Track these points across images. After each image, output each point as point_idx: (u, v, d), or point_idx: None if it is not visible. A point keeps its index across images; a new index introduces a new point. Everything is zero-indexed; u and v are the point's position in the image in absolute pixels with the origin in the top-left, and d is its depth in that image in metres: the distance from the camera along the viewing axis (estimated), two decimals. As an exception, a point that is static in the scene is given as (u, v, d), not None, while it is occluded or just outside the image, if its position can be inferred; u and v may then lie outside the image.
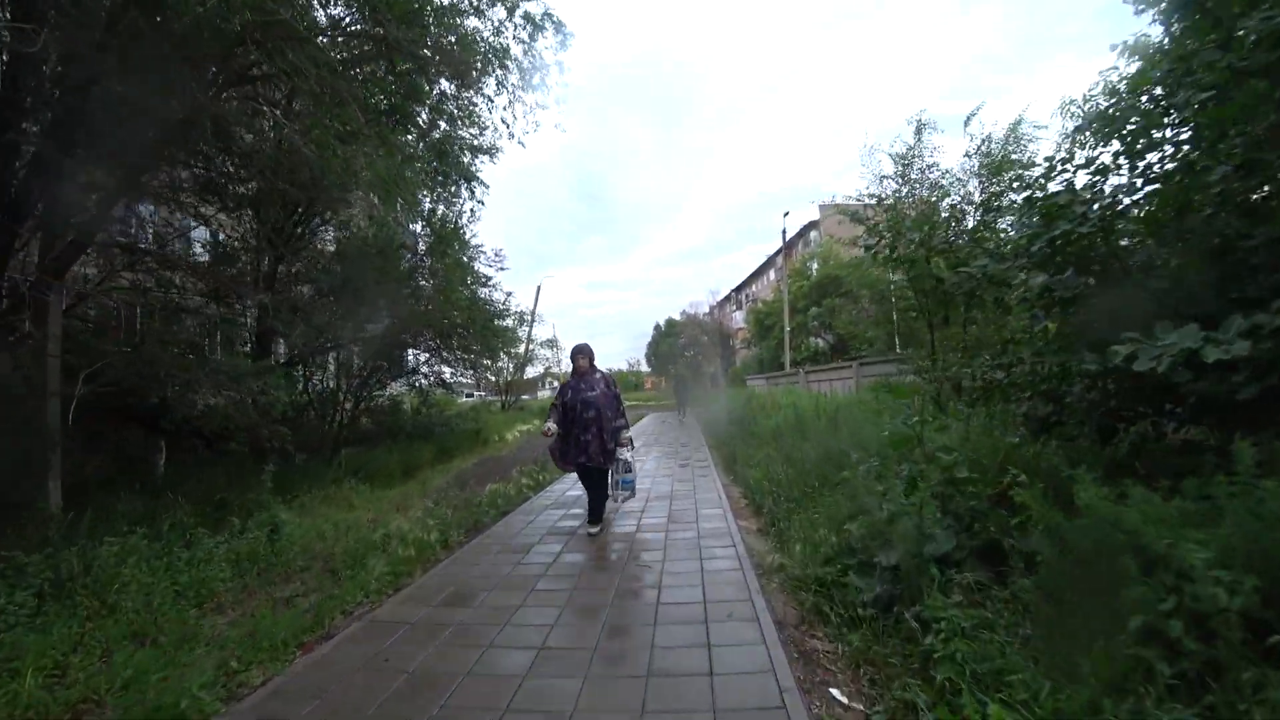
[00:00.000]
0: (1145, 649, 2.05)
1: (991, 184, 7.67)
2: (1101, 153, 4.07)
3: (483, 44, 8.34)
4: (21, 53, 4.86)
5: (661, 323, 53.22)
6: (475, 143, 10.92)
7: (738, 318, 50.78)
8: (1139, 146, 3.36)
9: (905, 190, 7.73)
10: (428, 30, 7.27)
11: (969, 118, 7.81)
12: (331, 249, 11.59)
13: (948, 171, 7.79)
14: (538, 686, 2.63)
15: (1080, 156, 4.09)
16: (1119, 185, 3.62)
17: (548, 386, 44.19)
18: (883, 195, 7.81)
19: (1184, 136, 3.31)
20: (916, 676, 2.54)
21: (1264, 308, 2.48)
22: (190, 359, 6.56)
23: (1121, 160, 3.48)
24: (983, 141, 7.85)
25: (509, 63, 8.22)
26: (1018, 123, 7.82)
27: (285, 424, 10.39)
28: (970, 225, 7.88)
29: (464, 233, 13.34)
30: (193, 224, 9.37)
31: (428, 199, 12.44)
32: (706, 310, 52.56)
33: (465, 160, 10.62)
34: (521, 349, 25.07)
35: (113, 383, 6.73)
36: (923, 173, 7.65)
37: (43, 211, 6.63)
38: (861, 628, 3.02)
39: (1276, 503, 2.14)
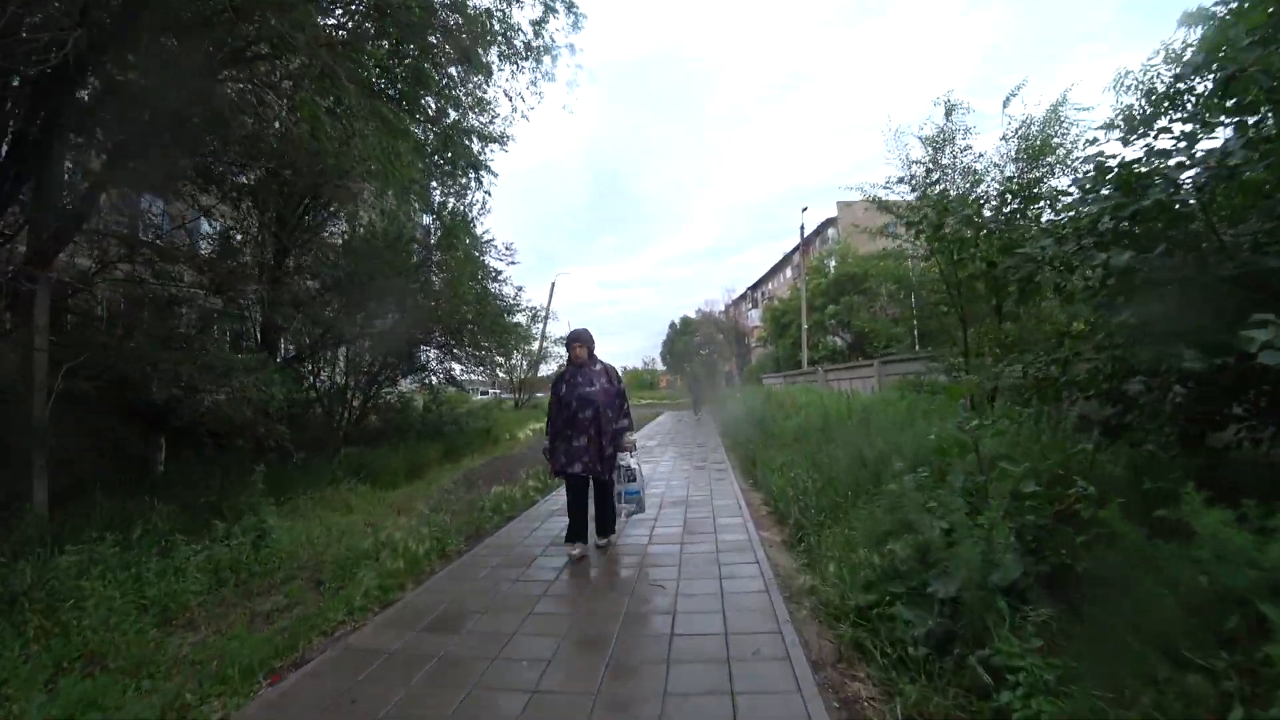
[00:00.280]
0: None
1: (1031, 169, 7.08)
2: (1173, 121, 3.53)
3: (492, 22, 7.91)
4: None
5: (676, 321, 52.68)
6: (486, 131, 10.53)
7: (753, 316, 50.08)
8: (1247, 101, 2.80)
9: (937, 175, 7.15)
10: (430, 5, 6.85)
11: (1009, 98, 7.20)
12: (338, 242, 11.22)
13: (982, 155, 7.21)
14: (525, 745, 2.16)
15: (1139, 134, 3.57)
16: (1210, 151, 3.06)
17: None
18: (912, 179, 7.23)
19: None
20: (993, 743, 2.03)
21: None
22: (178, 353, 6.17)
23: (1223, 120, 2.93)
24: (1022, 124, 7.25)
25: (517, 43, 7.79)
26: (1060, 103, 7.21)
27: (288, 421, 10.08)
28: (1009, 211, 7.30)
29: (474, 225, 12.96)
30: (192, 215, 9.05)
31: (438, 192, 12.09)
32: (722, 309, 51.95)
33: (474, 148, 10.21)
34: (535, 346, 24.70)
35: (96, 377, 6.39)
36: (955, 157, 7.08)
37: (28, 198, 6.30)
38: (914, 671, 2.51)
39: None
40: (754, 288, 54.77)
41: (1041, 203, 7.17)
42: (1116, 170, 3.31)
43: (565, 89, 9.07)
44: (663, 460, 9.46)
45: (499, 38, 7.85)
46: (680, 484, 7.17)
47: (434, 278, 11.15)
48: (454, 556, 5.07)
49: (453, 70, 9.08)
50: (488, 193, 10.55)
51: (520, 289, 13.42)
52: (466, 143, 9.34)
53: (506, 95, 8.66)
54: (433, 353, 13.10)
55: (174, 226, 9.36)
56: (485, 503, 6.32)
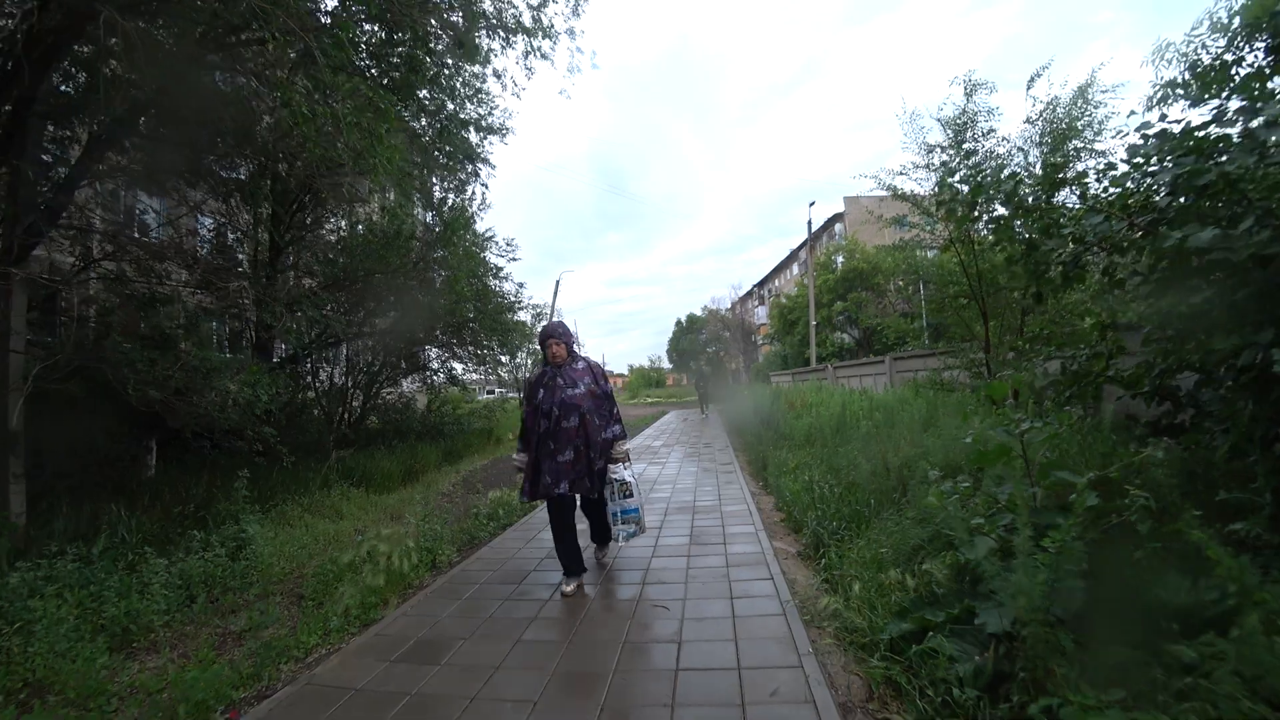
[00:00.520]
0: None
1: (1056, 153, 6.64)
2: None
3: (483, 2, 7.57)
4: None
5: (683, 319, 52.23)
6: (484, 122, 10.17)
7: (760, 313, 49.59)
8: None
9: (958, 160, 6.72)
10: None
11: (1033, 78, 6.76)
12: (334, 240, 10.89)
13: (1006, 139, 6.78)
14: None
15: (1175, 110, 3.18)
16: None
17: (568, 383, 43.55)
18: (930, 165, 6.81)
19: None
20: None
21: None
22: (156, 353, 5.83)
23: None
24: (1047, 106, 6.81)
25: (511, 21, 7.43)
26: (1088, 85, 6.76)
27: (284, 423, 9.76)
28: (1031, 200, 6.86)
29: (474, 221, 12.61)
30: (179, 212, 8.73)
31: (437, 187, 11.75)
32: (728, 306, 51.45)
33: (473, 140, 9.85)
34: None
35: (85, 379, 6.08)
36: (977, 140, 6.64)
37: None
38: (961, 718, 2.12)
39: None
40: (761, 285, 54.27)
41: (1066, 189, 6.75)
42: (1180, 136, 2.90)
43: (566, 75, 8.71)
44: (669, 461, 9.08)
45: (493, 21, 7.49)
46: (687, 487, 6.78)
47: (433, 275, 10.80)
48: (445, 568, 4.72)
49: (449, 59, 8.76)
50: (485, 185, 10.23)
51: (522, 285, 13.09)
52: (462, 134, 8.99)
53: (496, 74, 8.33)
54: (434, 352, 12.77)
55: (162, 223, 9.06)
56: (480, 509, 5.95)
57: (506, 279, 12.56)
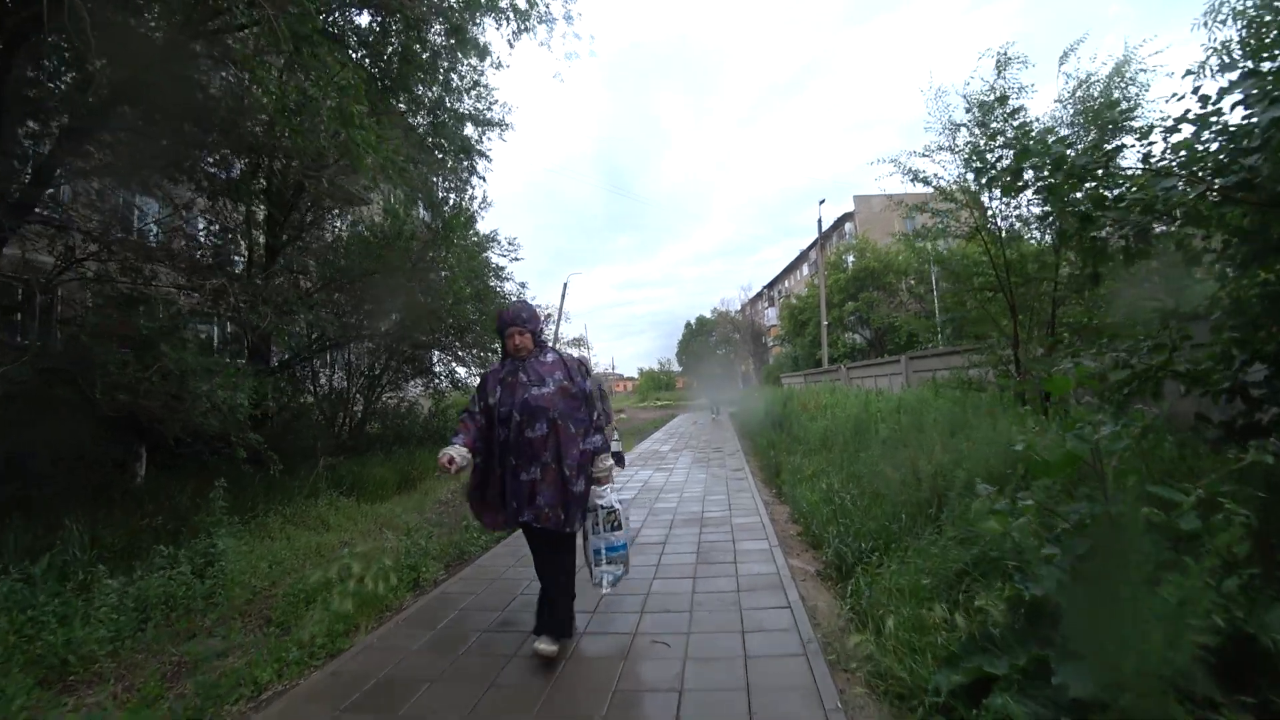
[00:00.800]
0: None
1: (1089, 134, 6.08)
2: None
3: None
4: None
5: (692, 321, 51.69)
6: (483, 116, 9.77)
7: (770, 315, 48.97)
8: None
9: (984, 141, 6.20)
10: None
11: (1064, 55, 6.23)
12: (330, 239, 10.52)
13: (1037, 120, 6.23)
14: None
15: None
16: None
17: (577, 386, 43.02)
18: (955, 147, 6.29)
19: None
20: None
21: None
22: (127, 355, 5.43)
23: None
24: (1080, 84, 6.25)
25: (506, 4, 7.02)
26: (1124, 62, 6.19)
27: (279, 429, 9.38)
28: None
29: (475, 220, 12.21)
30: (168, 210, 8.37)
31: (439, 186, 11.36)
32: (738, 307, 50.85)
33: (471, 134, 9.45)
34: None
35: (49, 383, 5.71)
36: (1006, 120, 6.11)
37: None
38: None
39: None
40: (770, 286, 53.63)
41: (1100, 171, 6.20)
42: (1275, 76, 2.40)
43: (563, 60, 8.25)
44: (676, 467, 8.58)
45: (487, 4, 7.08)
46: (695, 496, 6.29)
47: (433, 275, 10.40)
48: (429, 587, 4.27)
49: (444, 47, 8.37)
50: (482, 177, 9.83)
51: (524, 285, 12.63)
52: (455, 125, 8.58)
53: (495, 65, 7.93)
54: (436, 355, 12.38)
55: (149, 222, 8.72)
56: (470, 520, 5.49)
57: (508, 279, 12.11)
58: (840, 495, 4.50)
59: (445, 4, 7.51)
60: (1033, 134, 4.10)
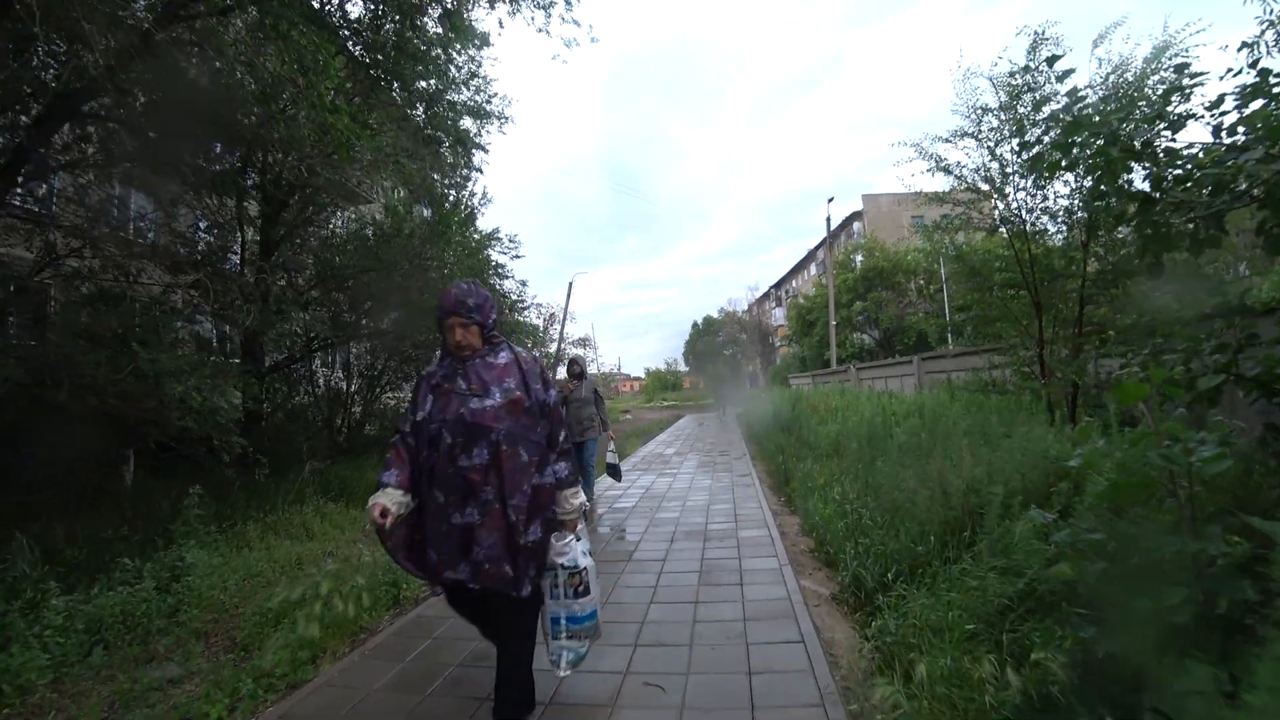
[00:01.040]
0: None
1: (1126, 122, 5.62)
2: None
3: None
4: None
5: (699, 321, 51.26)
6: (481, 107, 9.43)
7: (777, 315, 48.50)
8: None
9: (1012, 128, 5.77)
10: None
11: (1099, 39, 5.77)
12: (326, 235, 10.20)
13: (1076, 102, 5.76)
14: None
15: None
16: None
17: (583, 386, 42.69)
18: (979, 134, 5.86)
19: None
20: None
21: None
22: (99, 355, 5.12)
23: None
24: (1114, 69, 5.79)
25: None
26: (1164, 47, 5.70)
27: (272, 431, 9.07)
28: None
29: (476, 216, 11.88)
30: (151, 205, 8.08)
31: (439, 184, 11.03)
32: (745, 308, 50.38)
33: (469, 127, 9.11)
34: (553, 349, 23.59)
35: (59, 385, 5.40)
36: (1036, 106, 5.69)
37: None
38: None
39: None
40: (777, 286, 53.15)
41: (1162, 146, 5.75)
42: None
43: (564, 48, 7.91)
44: (680, 472, 8.19)
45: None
46: (699, 505, 5.90)
47: (431, 272, 10.07)
48: (409, 606, 3.92)
49: (436, 32, 8.04)
50: (479, 169, 9.47)
51: (524, 283, 12.28)
52: (452, 118, 8.24)
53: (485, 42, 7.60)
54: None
55: (140, 216, 8.42)
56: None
57: (509, 276, 11.77)
58: (856, 508, 4.10)
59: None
60: (1086, 103, 3.64)
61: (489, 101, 9.41)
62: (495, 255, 11.77)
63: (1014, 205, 6.10)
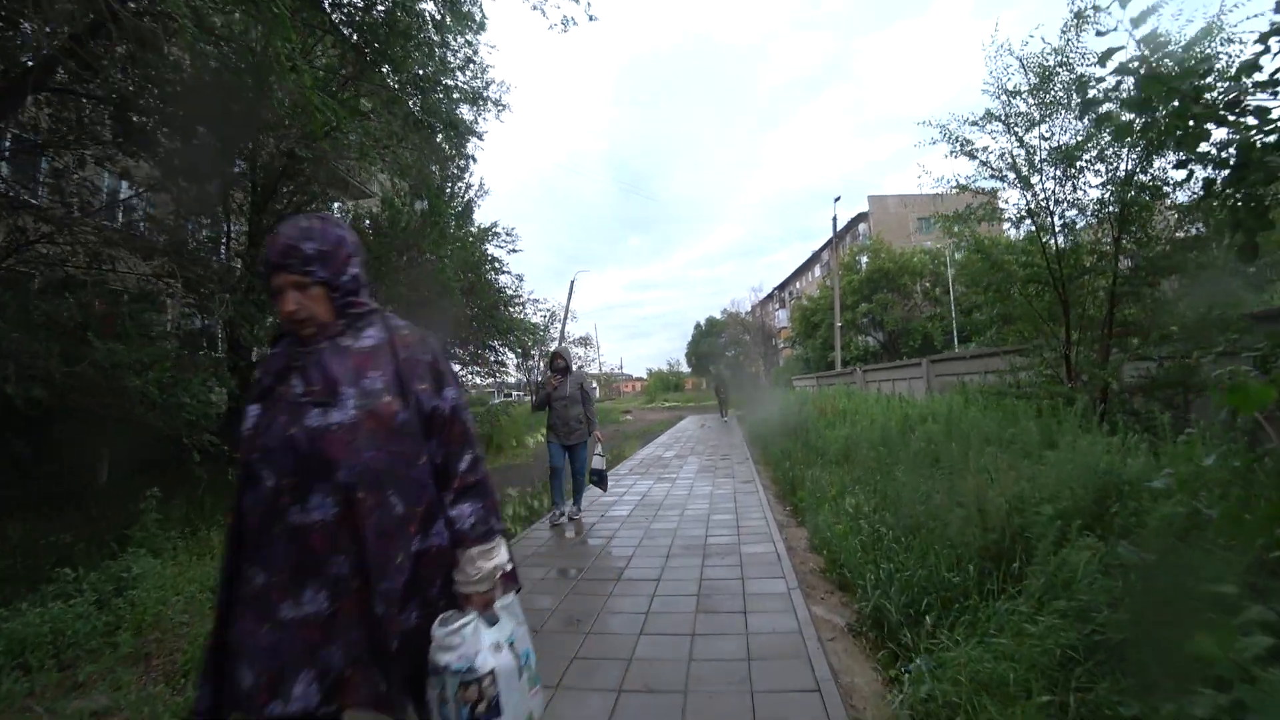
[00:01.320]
0: None
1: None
2: None
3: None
4: None
5: (702, 322, 50.77)
6: (484, 94, 9.02)
7: (781, 316, 48.01)
8: None
9: (1041, 113, 5.32)
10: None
11: (1141, 16, 5.30)
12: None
13: (1156, 49, 5.28)
14: None
15: None
16: None
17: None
18: (1009, 118, 5.39)
19: None
20: None
21: None
22: (52, 345, 4.71)
23: None
24: (1154, 51, 5.32)
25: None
26: (1214, 26, 5.20)
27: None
28: (1126, 168, 5.41)
29: (473, 208, 11.48)
30: (140, 188, 7.68)
31: (437, 175, 10.63)
32: (748, 309, 49.91)
33: (463, 114, 8.70)
34: (553, 348, 23.17)
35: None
36: (1069, 89, 5.24)
37: None
38: None
39: None
40: (781, 287, 52.66)
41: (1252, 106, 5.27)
42: None
43: (560, 26, 7.49)
44: (680, 477, 7.75)
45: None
46: (699, 515, 5.45)
47: (422, 264, 9.66)
48: None
49: (432, 11, 7.65)
50: (472, 157, 9.05)
51: (520, 278, 11.86)
52: (447, 103, 7.84)
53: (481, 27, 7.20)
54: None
55: (115, 200, 8.01)
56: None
57: (505, 271, 11.36)
58: (873, 523, 3.65)
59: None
60: (1167, 50, 3.18)
61: (486, 88, 9.00)
62: (492, 249, 11.37)
63: (1041, 197, 5.66)
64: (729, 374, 31.14)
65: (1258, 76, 2.28)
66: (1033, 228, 5.70)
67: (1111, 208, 5.49)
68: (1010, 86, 5.35)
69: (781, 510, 5.63)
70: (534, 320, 16.77)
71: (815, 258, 43.17)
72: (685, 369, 58.15)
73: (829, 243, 26.48)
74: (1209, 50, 4.23)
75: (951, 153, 5.65)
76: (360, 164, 9.56)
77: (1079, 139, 5.40)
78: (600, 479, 5.56)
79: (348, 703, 1.18)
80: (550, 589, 3.65)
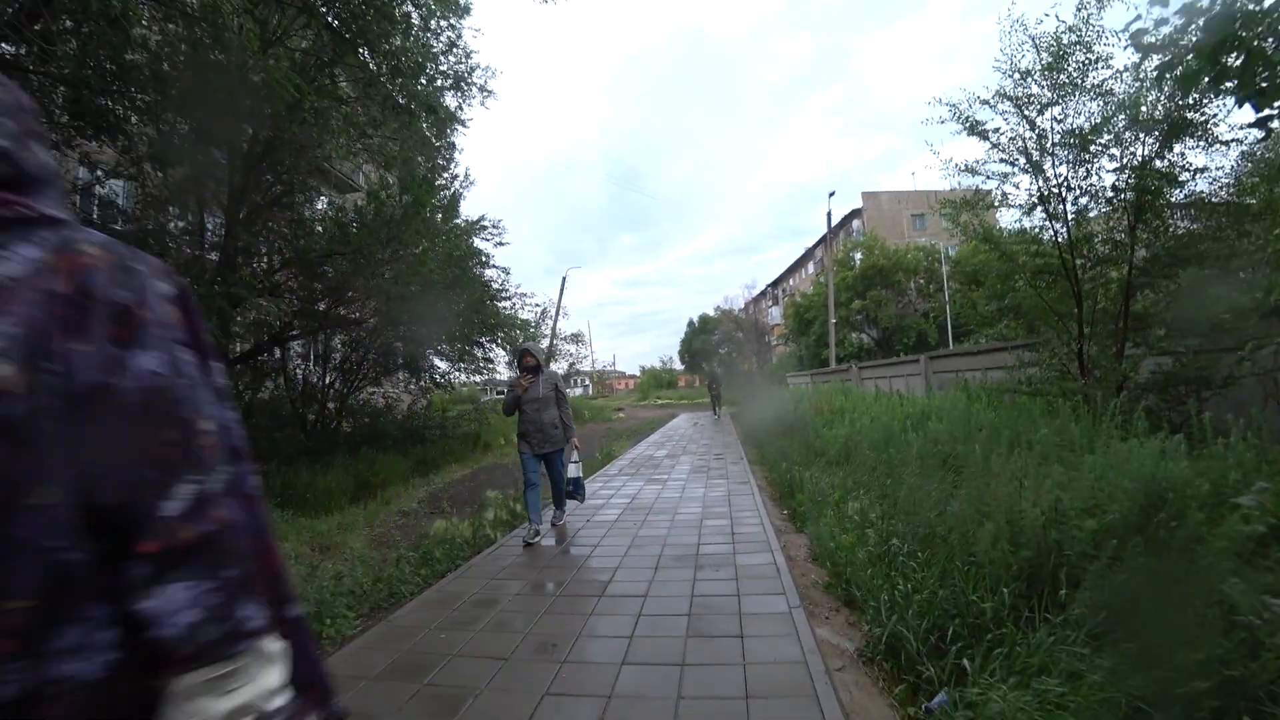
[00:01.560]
0: None
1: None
2: None
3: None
4: None
5: (695, 319, 50.43)
6: (469, 79, 8.63)
7: (774, 314, 47.76)
8: None
9: (1054, 94, 4.98)
10: None
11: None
12: (295, 216, 9.36)
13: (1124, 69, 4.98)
14: None
15: None
16: None
17: (577, 385, 41.83)
18: (1021, 99, 5.05)
19: None
20: None
21: None
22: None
23: None
24: (1179, 28, 4.99)
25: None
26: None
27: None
28: (1143, 153, 5.09)
29: (459, 198, 11.08)
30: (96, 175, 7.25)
31: (422, 164, 10.22)
32: (742, 306, 49.61)
33: (447, 102, 8.31)
34: (545, 344, 22.79)
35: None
36: (1083, 69, 4.91)
37: None
38: None
39: None
40: (775, 284, 52.41)
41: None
42: None
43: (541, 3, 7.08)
44: (671, 478, 7.38)
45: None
46: (690, 520, 5.09)
47: (402, 256, 9.26)
48: (340, 643, 3.11)
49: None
50: (452, 143, 8.66)
51: (507, 271, 11.47)
52: (423, 82, 7.43)
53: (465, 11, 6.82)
54: (404, 349, 11.25)
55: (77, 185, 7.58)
56: (402, 553, 4.31)
57: (489, 264, 10.96)
58: (881, 531, 3.31)
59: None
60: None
61: (470, 73, 8.60)
62: (478, 242, 10.97)
63: (1053, 182, 5.32)
64: (722, 371, 30.85)
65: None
66: (1044, 215, 5.36)
67: (1127, 194, 5.17)
68: (1023, 66, 5.01)
69: (778, 514, 5.28)
70: (524, 317, 16.39)
71: (809, 254, 42.92)
72: (678, 366, 57.83)
73: (823, 238, 26.20)
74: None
75: (961, 130, 5.31)
76: (338, 150, 9.16)
77: (1094, 122, 5.08)
78: (576, 489, 5.05)
79: None
80: (524, 607, 3.28)
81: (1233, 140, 4.98)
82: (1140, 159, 5.09)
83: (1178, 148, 5.10)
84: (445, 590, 3.69)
